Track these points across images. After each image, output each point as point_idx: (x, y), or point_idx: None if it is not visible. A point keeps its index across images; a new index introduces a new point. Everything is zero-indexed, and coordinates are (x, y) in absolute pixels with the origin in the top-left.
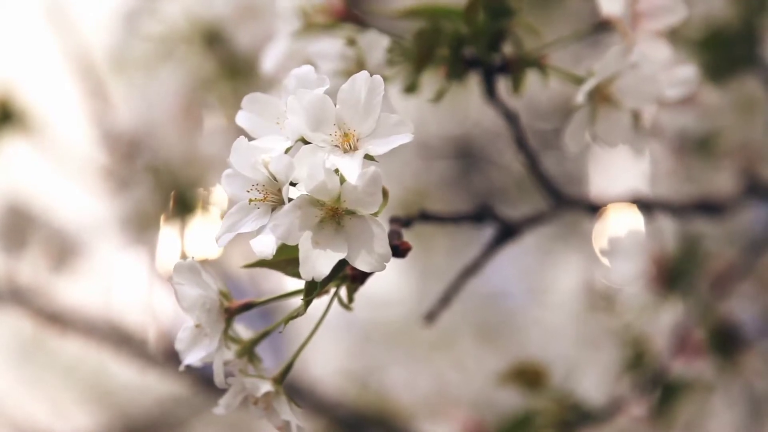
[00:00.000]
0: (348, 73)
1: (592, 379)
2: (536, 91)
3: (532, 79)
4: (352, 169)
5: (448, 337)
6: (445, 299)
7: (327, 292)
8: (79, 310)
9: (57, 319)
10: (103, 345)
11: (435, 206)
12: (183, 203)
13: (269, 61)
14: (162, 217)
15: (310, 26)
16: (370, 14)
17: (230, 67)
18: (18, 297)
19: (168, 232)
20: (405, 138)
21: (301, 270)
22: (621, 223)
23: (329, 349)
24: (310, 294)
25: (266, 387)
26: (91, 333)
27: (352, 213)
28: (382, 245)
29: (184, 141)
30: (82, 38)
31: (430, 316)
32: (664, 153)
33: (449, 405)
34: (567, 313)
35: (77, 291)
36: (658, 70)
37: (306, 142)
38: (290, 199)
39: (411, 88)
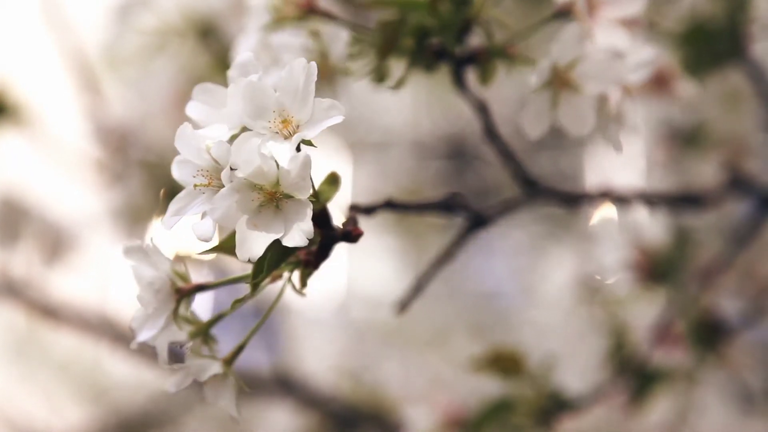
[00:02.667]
0: None
1: (581, 371)
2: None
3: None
4: (283, 153)
5: (442, 335)
6: (418, 288)
7: (280, 277)
8: (73, 304)
9: (51, 313)
10: (97, 340)
11: None
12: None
13: (240, 53)
14: (156, 212)
15: (281, 19)
16: (344, 4)
17: (223, 61)
18: (11, 291)
19: (159, 226)
20: (336, 119)
21: (238, 251)
22: (606, 216)
23: (324, 346)
24: (257, 277)
25: (213, 369)
26: (85, 327)
27: (290, 197)
28: (306, 222)
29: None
30: (75, 32)
31: (402, 306)
32: (653, 146)
33: (436, 394)
34: (560, 311)
35: (71, 285)
36: (617, 56)
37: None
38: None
39: (379, 78)
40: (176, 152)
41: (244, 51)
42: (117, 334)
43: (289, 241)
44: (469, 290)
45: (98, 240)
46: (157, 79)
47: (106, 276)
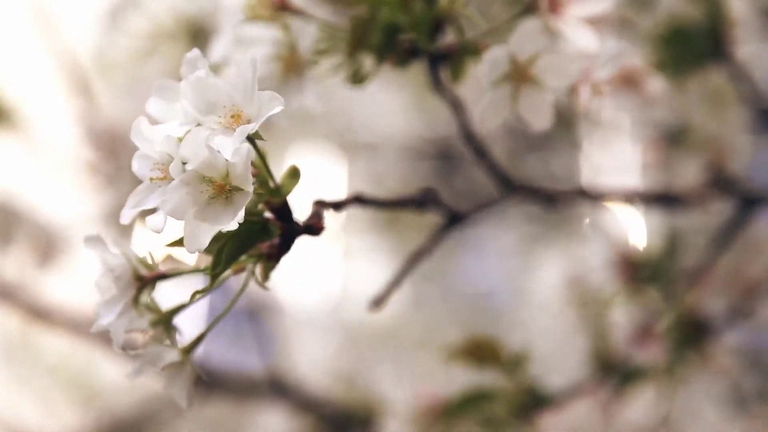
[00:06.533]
0: (281, 58)
1: (569, 371)
2: None
3: None
4: (226, 146)
5: (435, 337)
6: (394, 284)
7: (243, 270)
8: (66, 307)
9: (43, 316)
10: (90, 342)
11: None
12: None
13: (216, 52)
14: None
15: (255, 18)
16: (325, 3)
17: (214, 63)
18: (4, 294)
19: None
20: (275, 110)
21: (186, 243)
22: (594, 217)
23: (317, 349)
24: (216, 269)
25: (171, 357)
26: (78, 330)
27: (239, 189)
28: (241, 209)
29: None
30: (66, 35)
31: (378, 301)
32: (644, 147)
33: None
34: (549, 312)
35: (63, 288)
36: (583, 52)
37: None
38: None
39: (355, 77)
40: None
41: (218, 49)
42: (109, 337)
43: (225, 228)
44: (462, 291)
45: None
46: (148, 82)
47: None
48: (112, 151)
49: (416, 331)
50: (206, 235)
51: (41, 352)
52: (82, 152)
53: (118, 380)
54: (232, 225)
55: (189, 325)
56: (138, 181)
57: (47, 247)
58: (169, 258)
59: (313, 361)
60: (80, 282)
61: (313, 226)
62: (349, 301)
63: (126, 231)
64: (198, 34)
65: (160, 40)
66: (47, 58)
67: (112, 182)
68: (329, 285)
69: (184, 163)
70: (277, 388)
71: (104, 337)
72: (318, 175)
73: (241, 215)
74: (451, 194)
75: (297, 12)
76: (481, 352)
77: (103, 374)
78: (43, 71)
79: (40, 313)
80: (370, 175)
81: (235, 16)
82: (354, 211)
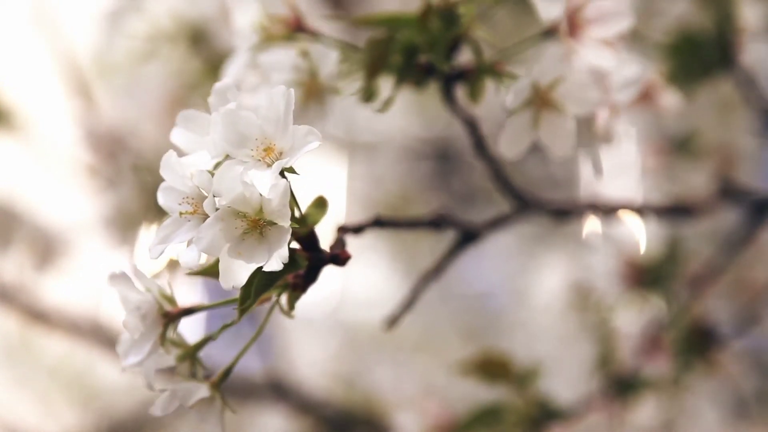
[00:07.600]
0: (301, 84)
1: (570, 376)
2: None
3: None
4: (263, 181)
5: (434, 339)
6: (408, 304)
7: (268, 300)
8: (65, 309)
9: (43, 318)
10: (89, 344)
11: (417, 208)
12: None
13: (229, 75)
14: (148, 219)
15: (269, 39)
16: (332, 22)
17: (215, 66)
18: (3, 296)
19: (149, 232)
20: (313, 145)
21: (222, 280)
22: (598, 224)
23: (316, 351)
24: (244, 303)
25: (201, 393)
26: (77, 332)
27: (273, 224)
28: (284, 247)
29: (169, 140)
30: (67, 38)
31: (392, 321)
32: (646, 154)
33: (428, 399)
34: (550, 315)
35: (63, 290)
36: (602, 76)
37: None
38: (216, 210)
39: (368, 97)
40: None
41: (232, 72)
42: (108, 339)
43: (267, 267)
44: (461, 293)
45: (90, 245)
46: (148, 85)
47: (98, 281)
48: (112, 154)
49: (415, 333)
50: (242, 271)
51: (40, 353)
52: (82, 154)
53: (117, 381)
54: (275, 264)
55: (188, 325)
56: (136, 185)
57: (47, 249)
58: (173, 264)
59: (312, 363)
60: (79, 284)
61: (339, 256)
62: (348, 302)
63: (128, 234)
64: (198, 37)
65: (160, 42)
66: (47, 60)
67: (112, 184)
68: (328, 286)
69: (215, 197)
70: (277, 390)
71: (103, 339)
72: (317, 175)
73: (284, 255)
74: (450, 194)
75: (312, 33)
76: (491, 368)
77: (102, 375)
78: (43, 73)
79: (39, 315)
80: (370, 175)
81: (248, 37)
82: (352, 212)
